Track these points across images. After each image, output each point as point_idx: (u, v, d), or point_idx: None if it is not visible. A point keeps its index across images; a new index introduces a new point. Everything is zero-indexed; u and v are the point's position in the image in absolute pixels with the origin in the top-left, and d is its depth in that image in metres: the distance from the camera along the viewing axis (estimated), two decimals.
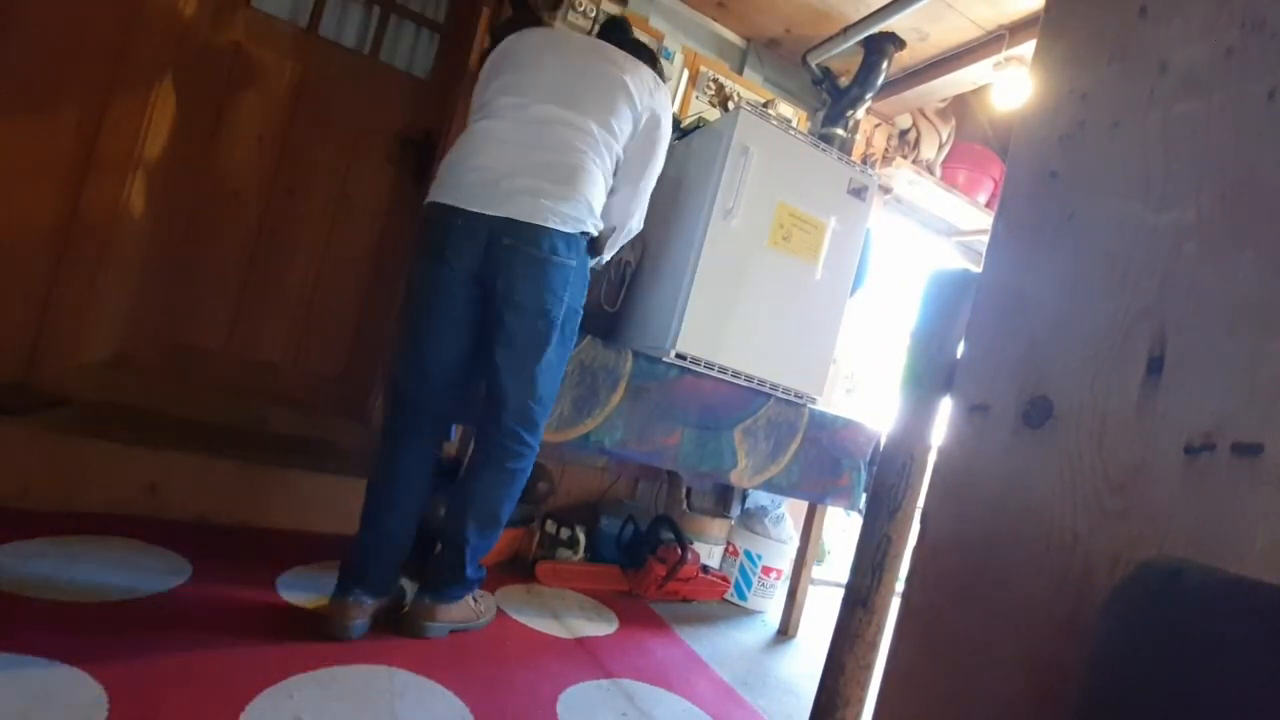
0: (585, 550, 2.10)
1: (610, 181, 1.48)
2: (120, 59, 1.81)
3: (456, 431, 1.73)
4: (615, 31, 1.65)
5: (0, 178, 1.72)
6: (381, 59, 2.34)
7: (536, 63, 1.45)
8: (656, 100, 1.50)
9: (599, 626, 1.72)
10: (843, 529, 2.95)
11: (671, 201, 2.05)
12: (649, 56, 1.62)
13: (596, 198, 1.41)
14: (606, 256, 1.62)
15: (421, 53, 2.41)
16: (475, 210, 1.31)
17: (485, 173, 1.33)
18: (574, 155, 1.37)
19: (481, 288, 1.34)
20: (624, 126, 1.46)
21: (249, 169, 2.17)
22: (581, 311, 1.45)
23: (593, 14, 2.25)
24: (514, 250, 1.30)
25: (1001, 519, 0.58)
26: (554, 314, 1.36)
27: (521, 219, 1.30)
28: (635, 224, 1.58)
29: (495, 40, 2.06)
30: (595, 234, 1.44)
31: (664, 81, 1.63)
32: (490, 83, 1.47)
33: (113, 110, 1.81)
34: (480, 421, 1.45)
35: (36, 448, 1.50)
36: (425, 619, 1.39)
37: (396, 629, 1.39)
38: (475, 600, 1.50)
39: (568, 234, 1.34)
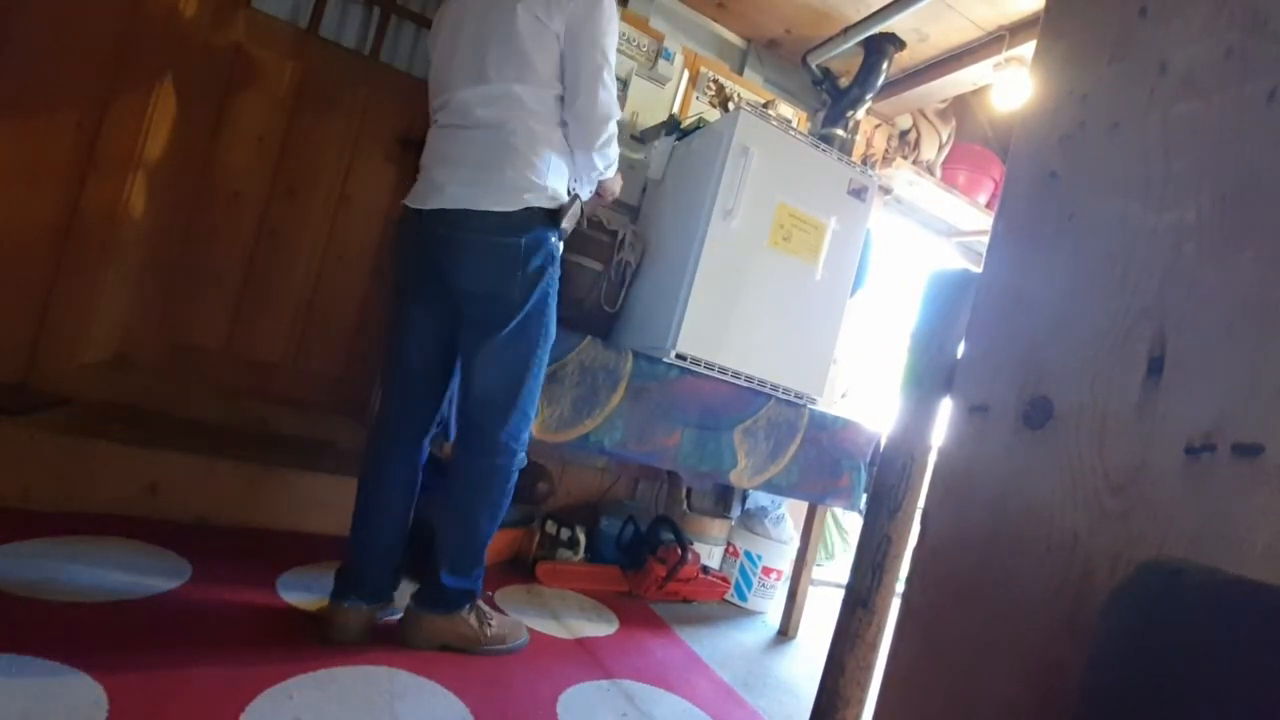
0: (585, 551, 2.10)
1: (559, 134, 1.35)
2: (121, 59, 1.81)
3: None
4: None
5: (0, 178, 1.72)
6: (382, 59, 2.34)
7: (451, 43, 1.36)
8: (565, 6, 1.28)
9: (599, 627, 1.72)
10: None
11: (671, 201, 2.05)
12: None
13: (538, 166, 1.30)
14: (602, 166, 1.43)
15: (422, 53, 2.41)
16: (416, 207, 1.34)
17: (425, 174, 1.37)
18: (502, 132, 1.29)
19: (442, 281, 1.33)
20: (547, 59, 1.30)
21: (249, 169, 2.17)
22: (550, 292, 1.35)
23: None
24: (449, 239, 1.29)
25: (1002, 519, 0.58)
26: (508, 295, 1.29)
27: (450, 206, 1.28)
28: (610, 127, 1.38)
29: None
30: (551, 205, 1.31)
31: None
32: (429, 78, 1.45)
33: (113, 110, 1.81)
34: (458, 416, 1.42)
35: (36, 448, 1.50)
36: (411, 629, 1.35)
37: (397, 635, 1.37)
38: (480, 621, 1.40)
39: (505, 212, 1.26)
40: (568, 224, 1.37)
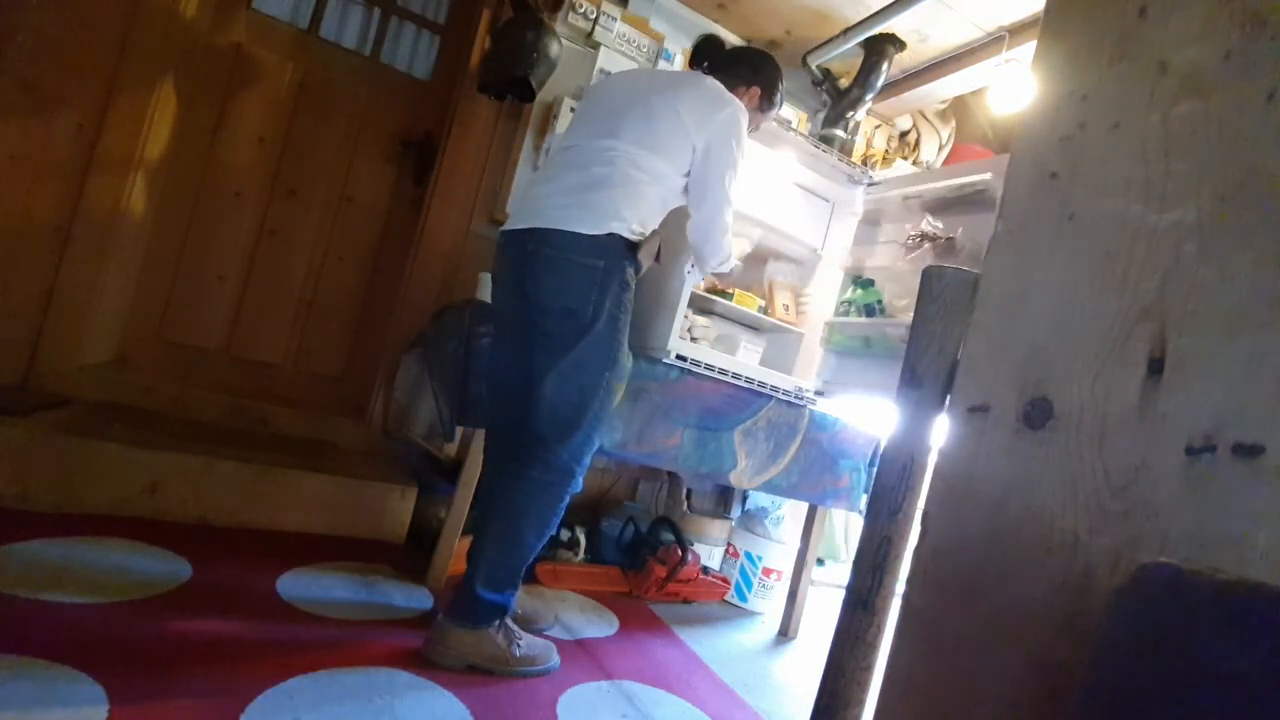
0: (586, 551, 2.10)
1: (664, 189, 1.43)
2: (121, 60, 1.81)
3: (458, 433, 1.72)
4: (698, 55, 1.65)
5: (2, 178, 1.72)
6: (382, 60, 2.34)
7: (606, 104, 1.49)
8: (711, 125, 1.42)
9: (599, 628, 1.72)
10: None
11: None
12: (745, 70, 1.60)
13: (632, 201, 1.37)
14: (714, 263, 1.55)
15: (422, 54, 2.41)
16: (511, 228, 1.43)
17: (522, 200, 1.48)
18: (608, 167, 1.38)
19: (525, 300, 1.41)
20: (676, 148, 1.42)
21: (250, 169, 2.17)
22: (621, 317, 1.39)
23: (593, 15, 2.25)
24: (535, 254, 1.36)
25: (1002, 520, 0.58)
26: (580, 313, 1.34)
27: (542, 225, 1.36)
28: (710, 256, 1.52)
29: (495, 42, 2.07)
30: (632, 237, 1.39)
31: (769, 95, 1.62)
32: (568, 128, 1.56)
33: (114, 111, 1.81)
34: (525, 431, 1.43)
35: (36, 448, 1.50)
36: (438, 644, 1.32)
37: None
38: (508, 640, 1.36)
39: (590, 235, 1.33)
40: (644, 258, 1.46)
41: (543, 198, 1.41)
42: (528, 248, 1.37)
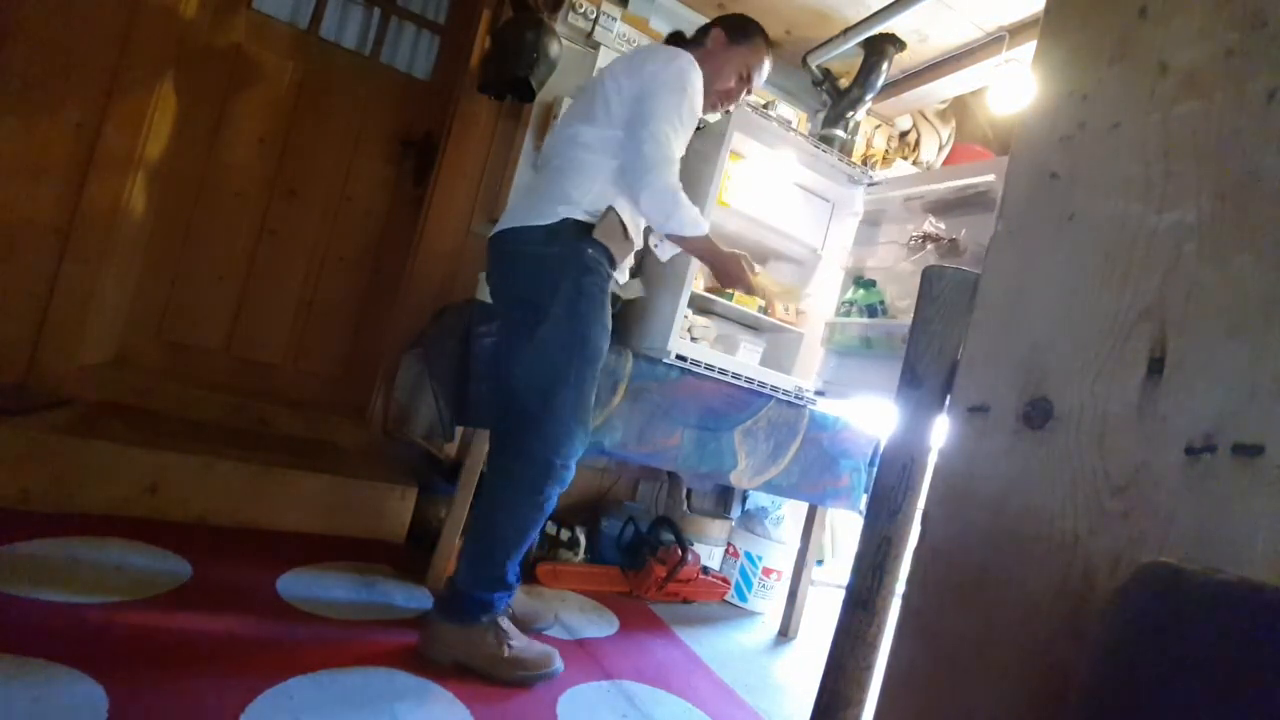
0: (586, 551, 2.10)
1: (608, 156, 1.40)
2: (121, 60, 1.81)
3: (458, 433, 1.72)
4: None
5: (2, 178, 1.72)
6: (382, 60, 2.34)
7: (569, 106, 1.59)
8: (642, 73, 1.40)
9: (599, 628, 1.72)
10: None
11: None
12: (706, 28, 1.62)
13: (578, 181, 1.38)
14: (659, 218, 1.41)
15: (422, 54, 2.41)
16: (491, 233, 1.48)
17: (508, 206, 1.58)
18: (559, 158, 1.43)
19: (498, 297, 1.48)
20: (609, 111, 1.40)
21: (250, 170, 2.17)
22: (583, 301, 1.34)
23: (593, 15, 2.25)
24: (501, 253, 1.44)
25: (1002, 520, 0.58)
26: (537, 302, 1.35)
27: (507, 225, 1.42)
28: (651, 207, 1.39)
29: (495, 42, 2.07)
30: (586, 219, 1.36)
31: (735, 30, 1.57)
32: None
33: (114, 111, 1.81)
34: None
35: (36, 448, 1.50)
36: (426, 638, 1.34)
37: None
38: (499, 640, 1.33)
39: (544, 225, 1.36)
40: (604, 238, 1.36)
41: (515, 201, 1.51)
42: (498, 249, 1.44)
